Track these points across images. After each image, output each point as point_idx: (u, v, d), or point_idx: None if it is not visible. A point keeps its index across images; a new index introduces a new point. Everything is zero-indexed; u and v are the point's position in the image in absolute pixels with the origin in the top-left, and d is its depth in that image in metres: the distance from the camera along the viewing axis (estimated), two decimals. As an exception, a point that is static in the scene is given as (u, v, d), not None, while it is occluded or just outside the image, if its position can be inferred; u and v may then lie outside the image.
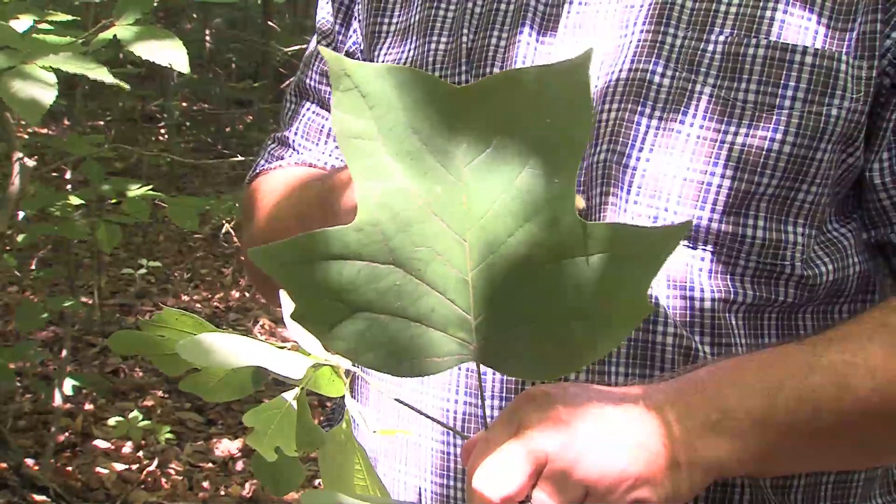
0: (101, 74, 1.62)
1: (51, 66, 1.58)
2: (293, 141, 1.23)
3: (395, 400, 0.83)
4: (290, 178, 1.18)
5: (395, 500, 0.71)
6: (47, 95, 1.54)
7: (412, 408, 0.81)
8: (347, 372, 0.82)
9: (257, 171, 1.25)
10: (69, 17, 1.84)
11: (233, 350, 0.75)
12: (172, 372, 0.83)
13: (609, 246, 0.66)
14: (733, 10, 0.96)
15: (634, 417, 0.79)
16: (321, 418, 1.22)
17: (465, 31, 1.05)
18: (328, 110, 1.22)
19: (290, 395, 0.78)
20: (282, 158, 1.23)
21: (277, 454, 0.76)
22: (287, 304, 0.80)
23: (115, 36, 1.75)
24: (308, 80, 1.24)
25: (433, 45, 1.07)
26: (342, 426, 0.83)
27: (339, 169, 1.10)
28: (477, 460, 0.75)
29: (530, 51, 1.02)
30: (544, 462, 0.74)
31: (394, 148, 0.64)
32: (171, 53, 1.74)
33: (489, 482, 0.73)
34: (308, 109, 1.23)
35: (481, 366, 0.70)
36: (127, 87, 1.76)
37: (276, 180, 1.20)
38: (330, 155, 1.20)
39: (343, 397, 0.83)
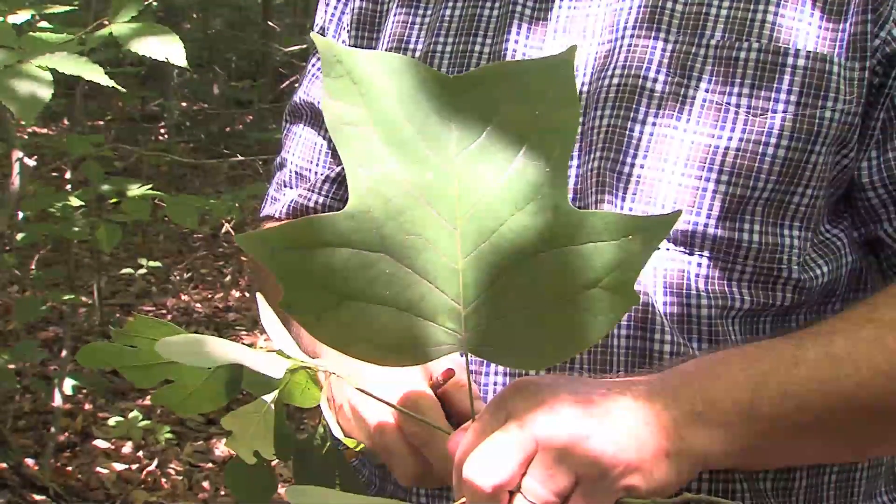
0: (98, 76, 1.61)
1: (47, 67, 1.57)
2: (289, 162, 1.21)
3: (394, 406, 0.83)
4: None
5: (379, 498, 0.70)
6: (44, 93, 1.52)
7: (404, 412, 0.81)
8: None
9: (263, 208, 1.24)
10: (67, 8, 1.83)
11: (212, 349, 0.74)
12: (144, 384, 0.81)
13: (600, 234, 0.66)
14: (724, 12, 0.96)
15: (623, 406, 0.79)
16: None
17: (442, 37, 1.04)
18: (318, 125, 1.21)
19: (269, 398, 0.77)
20: (282, 189, 1.21)
21: (256, 458, 0.75)
22: (264, 308, 0.80)
23: (111, 33, 1.75)
24: (296, 98, 1.23)
25: (409, 54, 1.06)
26: (319, 430, 0.83)
27: None
28: (467, 450, 0.75)
29: (518, 56, 1.01)
30: (535, 450, 0.74)
31: (386, 135, 0.64)
32: (168, 48, 1.73)
33: (481, 471, 0.73)
34: (302, 129, 1.21)
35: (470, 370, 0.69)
36: (124, 90, 1.75)
37: None
38: (319, 192, 1.17)
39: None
